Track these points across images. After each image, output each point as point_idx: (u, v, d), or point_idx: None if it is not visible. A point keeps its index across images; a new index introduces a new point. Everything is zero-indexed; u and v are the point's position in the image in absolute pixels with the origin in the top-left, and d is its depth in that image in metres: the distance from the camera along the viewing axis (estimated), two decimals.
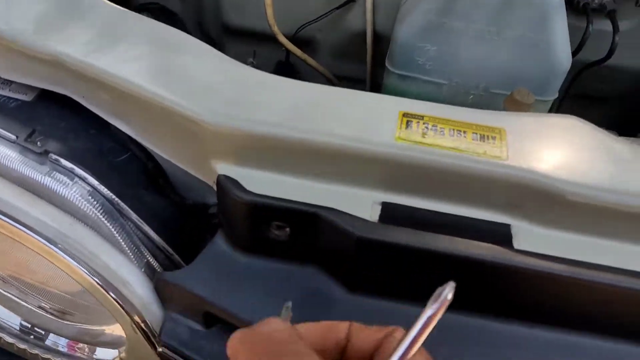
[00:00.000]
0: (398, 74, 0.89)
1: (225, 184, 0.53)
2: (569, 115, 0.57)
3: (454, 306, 0.52)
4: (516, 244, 0.51)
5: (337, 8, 1.01)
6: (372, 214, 0.53)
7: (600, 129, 0.56)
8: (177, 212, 0.64)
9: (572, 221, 0.51)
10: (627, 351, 0.51)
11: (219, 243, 0.58)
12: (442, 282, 0.51)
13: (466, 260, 0.49)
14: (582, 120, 0.56)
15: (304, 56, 1.01)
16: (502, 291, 0.51)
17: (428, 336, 0.33)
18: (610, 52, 0.92)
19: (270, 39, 1.00)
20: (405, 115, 0.55)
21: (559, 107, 1.14)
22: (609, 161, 0.52)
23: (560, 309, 0.51)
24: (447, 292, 0.30)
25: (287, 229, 0.53)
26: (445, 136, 0.53)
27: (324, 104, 0.55)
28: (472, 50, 0.82)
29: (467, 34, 0.81)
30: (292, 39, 1.06)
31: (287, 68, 1.19)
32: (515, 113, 0.56)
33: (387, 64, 0.90)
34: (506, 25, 0.79)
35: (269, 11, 0.91)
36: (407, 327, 0.32)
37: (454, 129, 0.53)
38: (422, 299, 0.54)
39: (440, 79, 0.87)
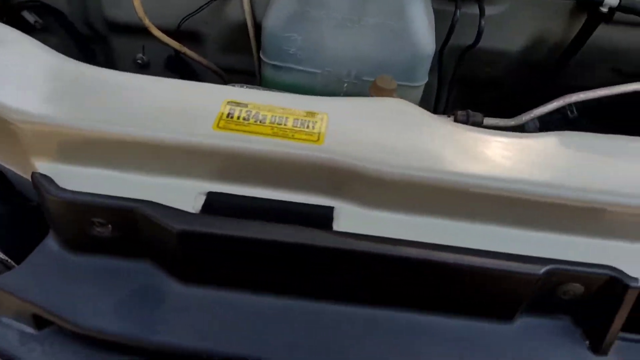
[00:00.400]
0: (272, 64, 0.89)
1: (39, 181, 0.51)
2: (395, 99, 0.58)
3: (280, 290, 0.53)
4: (336, 226, 0.52)
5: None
6: (195, 204, 0.52)
7: (425, 111, 0.57)
8: (17, 215, 0.62)
9: (392, 201, 0.53)
10: (443, 324, 0.53)
11: (50, 244, 0.56)
12: (268, 268, 0.51)
13: (283, 245, 0.49)
14: (407, 102, 0.58)
15: (184, 49, 0.99)
16: (324, 272, 0.52)
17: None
18: (479, 36, 0.95)
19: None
20: (229, 103, 0.54)
21: (449, 92, 1.16)
22: (426, 142, 0.53)
23: (383, 287, 0.52)
24: None
25: (109, 226, 0.52)
26: (266, 123, 0.53)
27: (146, 96, 0.54)
28: (337, 38, 0.83)
29: (330, 22, 0.82)
30: (177, 32, 1.05)
31: (177, 63, 1.17)
32: (341, 98, 0.57)
33: (261, 55, 0.90)
34: (366, 13, 0.80)
35: (136, 3, 0.88)
36: None
37: (276, 116, 0.54)
38: (253, 286, 0.54)
39: (313, 68, 0.88)
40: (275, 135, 0.52)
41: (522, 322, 0.55)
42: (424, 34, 0.82)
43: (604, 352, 0.54)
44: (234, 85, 0.79)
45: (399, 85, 0.86)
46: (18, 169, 0.57)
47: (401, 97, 0.81)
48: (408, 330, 0.53)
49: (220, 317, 0.52)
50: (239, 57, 1.10)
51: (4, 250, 0.60)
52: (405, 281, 0.51)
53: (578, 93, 0.90)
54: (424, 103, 1.15)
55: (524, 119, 0.89)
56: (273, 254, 0.51)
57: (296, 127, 0.53)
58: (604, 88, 0.90)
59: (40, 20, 1.16)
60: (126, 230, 0.52)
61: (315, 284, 0.53)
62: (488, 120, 0.89)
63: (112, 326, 0.52)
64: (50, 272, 0.55)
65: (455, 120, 0.84)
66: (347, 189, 0.52)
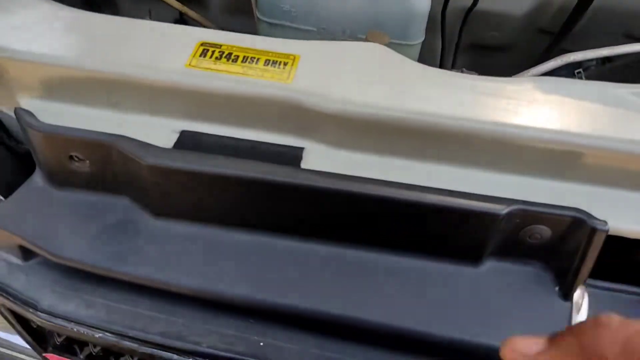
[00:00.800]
0: (267, 22, 0.90)
1: (21, 115, 0.53)
2: (370, 43, 0.58)
3: (248, 225, 0.54)
4: (304, 164, 0.53)
5: None
6: (167, 141, 0.54)
7: (400, 55, 0.57)
8: (10, 157, 0.65)
9: (359, 141, 0.53)
10: (410, 264, 0.54)
11: (36, 180, 0.59)
12: (235, 203, 0.53)
13: (246, 180, 0.50)
14: (381, 46, 0.57)
15: (184, 9, 1.01)
16: (290, 209, 0.53)
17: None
18: None
19: None
20: (203, 44, 0.55)
21: (455, 56, 1.15)
22: (396, 82, 0.53)
23: (348, 225, 0.53)
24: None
25: (87, 162, 0.54)
26: (237, 63, 0.54)
27: (125, 36, 0.56)
28: None
29: None
30: None
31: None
32: (316, 41, 0.57)
33: (257, 13, 0.91)
34: None
35: None
36: None
37: (247, 56, 0.54)
38: (223, 221, 0.55)
39: (307, 26, 0.88)
40: (245, 74, 0.52)
41: (490, 266, 0.55)
42: None
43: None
44: None
45: (394, 43, 0.85)
46: (8, 109, 0.59)
47: None
48: (375, 269, 0.53)
49: (189, 250, 0.54)
50: (241, 19, 1.11)
51: None
52: (370, 219, 0.52)
53: (576, 52, 0.87)
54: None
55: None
56: (239, 189, 0.52)
57: (267, 66, 0.53)
58: (605, 48, 0.87)
59: None
60: (102, 165, 0.54)
61: (281, 220, 0.54)
62: None
63: (87, 257, 0.54)
64: (35, 206, 0.57)
65: None
66: (316, 129, 0.53)
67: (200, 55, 0.54)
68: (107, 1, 1.22)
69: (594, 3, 1.01)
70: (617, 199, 0.51)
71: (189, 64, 0.53)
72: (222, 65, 0.53)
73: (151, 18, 1.20)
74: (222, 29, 1.10)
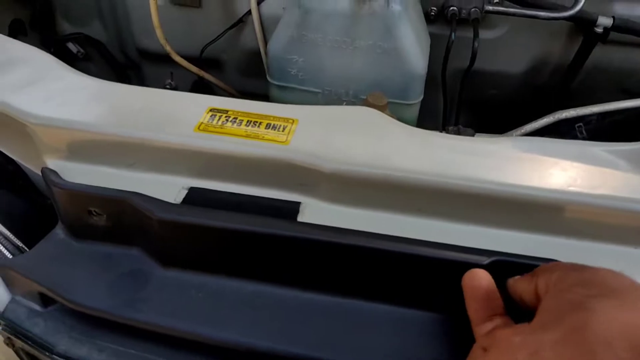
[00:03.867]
0: (277, 85, 0.97)
1: (46, 174, 0.60)
2: (363, 107, 0.63)
3: (250, 275, 0.58)
4: (300, 218, 0.57)
5: (229, 28, 1.09)
6: (177, 197, 0.59)
7: (389, 118, 0.63)
8: (35, 210, 0.71)
9: (351, 197, 0.57)
10: (401, 314, 0.56)
11: (57, 232, 0.64)
12: (238, 253, 0.57)
13: (249, 233, 0.55)
14: (373, 110, 0.63)
15: (201, 73, 1.09)
16: (287, 260, 0.57)
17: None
18: (473, 58, 0.99)
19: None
20: (211, 110, 0.62)
21: (457, 114, 1.20)
22: (383, 143, 0.58)
23: (341, 275, 0.57)
24: None
25: (104, 216, 0.60)
26: (241, 126, 0.60)
27: (142, 104, 0.62)
28: (334, 59, 0.90)
29: (326, 44, 0.89)
30: (200, 60, 1.15)
31: (201, 88, 1.27)
32: (313, 106, 0.63)
33: (267, 77, 0.98)
34: (357, 36, 0.86)
35: (159, 32, 0.99)
36: None
37: (251, 120, 0.60)
38: (227, 271, 0.59)
39: (314, 88, 0.95)
40: (247, 136, 0.58)
41: None
42: (413, 54, 0.87)
43: None
44: None
45: (394, 103, 0.91)
46: (36, 168, 0.66)
47: (396, 115, 0.87)
48: (370, 318, 0.56)
49: (194, 298, 0.58)
50: (254, 81, 1.19)
51: (23, 240, 0.69)
52: (361, 270, 0.56)
53: (569, 110, 0.92)
54: (432, 124, 1.20)
55: (514, 134, 0.92)
56: (240, 241, 0.56)
57: (268, 129, 0.59)
58: (596, 105, 0.91)
59: (83, 50, 1.30)
60: (118, 219, 0.60)
61: (281, 271, 0.58)
62: (479, 136, 0.92)
63: (101, 304, 0.58)
64: (56, 256, 0.62)
65: None
66: (311, 186, 0.58)
67: (208, 120, 0.60)
68: (133, 64, 1.32)
69: (589, 62, 1.06)
70: (593, 251, 0.54)
71: (198, 128, 0.59)
72: (228, 130, 0.59)
73: (172, 80, 1.29)
74: (237, 90, 1.18)
